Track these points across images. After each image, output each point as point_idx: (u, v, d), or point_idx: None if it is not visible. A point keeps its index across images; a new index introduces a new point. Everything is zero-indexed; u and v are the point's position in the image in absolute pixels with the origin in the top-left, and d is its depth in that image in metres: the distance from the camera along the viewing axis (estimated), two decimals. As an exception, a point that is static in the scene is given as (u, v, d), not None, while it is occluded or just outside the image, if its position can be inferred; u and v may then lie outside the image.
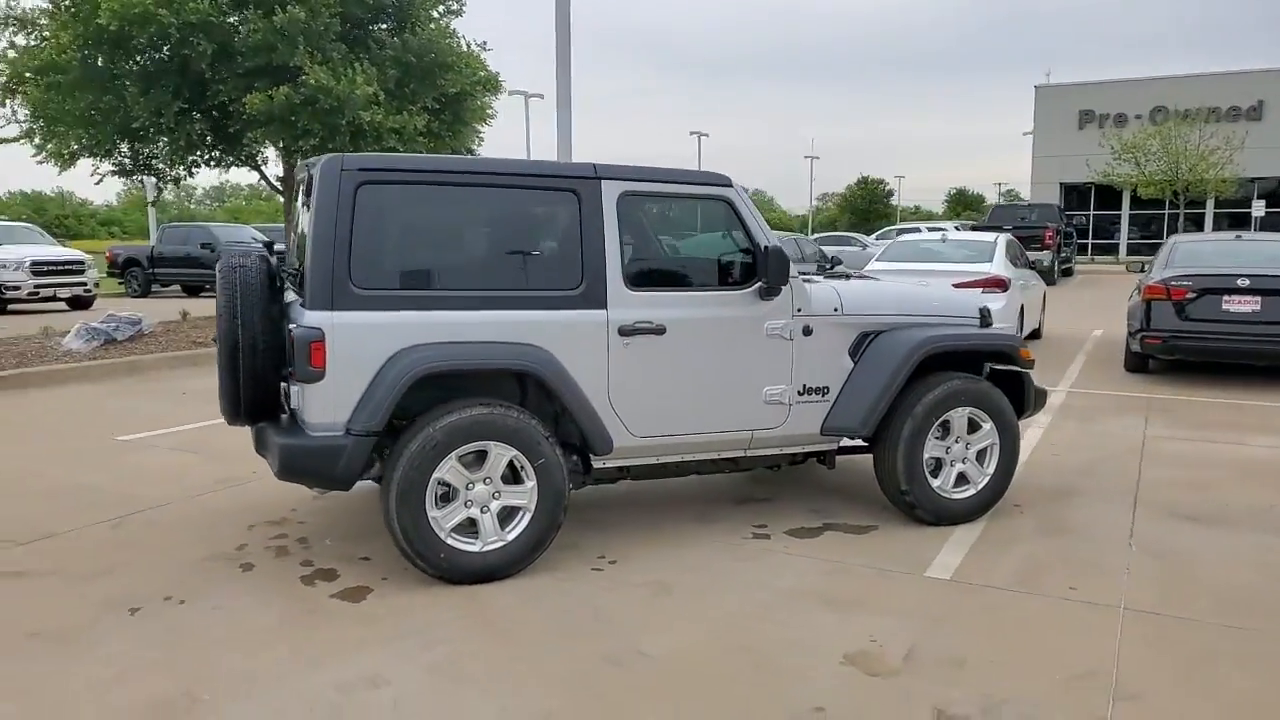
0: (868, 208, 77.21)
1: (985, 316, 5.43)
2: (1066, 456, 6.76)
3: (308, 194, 4.31)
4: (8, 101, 11.08)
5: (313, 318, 4.05)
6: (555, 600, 4.13)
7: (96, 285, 19.21)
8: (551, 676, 3.45)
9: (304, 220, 4.40)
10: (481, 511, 4.28)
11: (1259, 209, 34.88)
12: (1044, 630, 3.87)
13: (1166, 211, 38.83)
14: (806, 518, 5.30)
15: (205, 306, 15.17)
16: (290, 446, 4.08)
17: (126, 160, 12.40)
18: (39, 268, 18.14)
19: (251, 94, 10.84)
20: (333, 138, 11.42)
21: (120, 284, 23.77)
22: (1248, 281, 9.39)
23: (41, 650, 3.63)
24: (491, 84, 13.18)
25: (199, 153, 12.54)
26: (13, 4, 11.49)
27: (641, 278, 4.62)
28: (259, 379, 4.35)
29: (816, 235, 34.96)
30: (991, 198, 71.30)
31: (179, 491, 5.74)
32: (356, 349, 4.07)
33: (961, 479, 5.20)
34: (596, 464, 4.64)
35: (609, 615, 3.98)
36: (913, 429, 5.01)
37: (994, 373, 5.40)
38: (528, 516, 4.33)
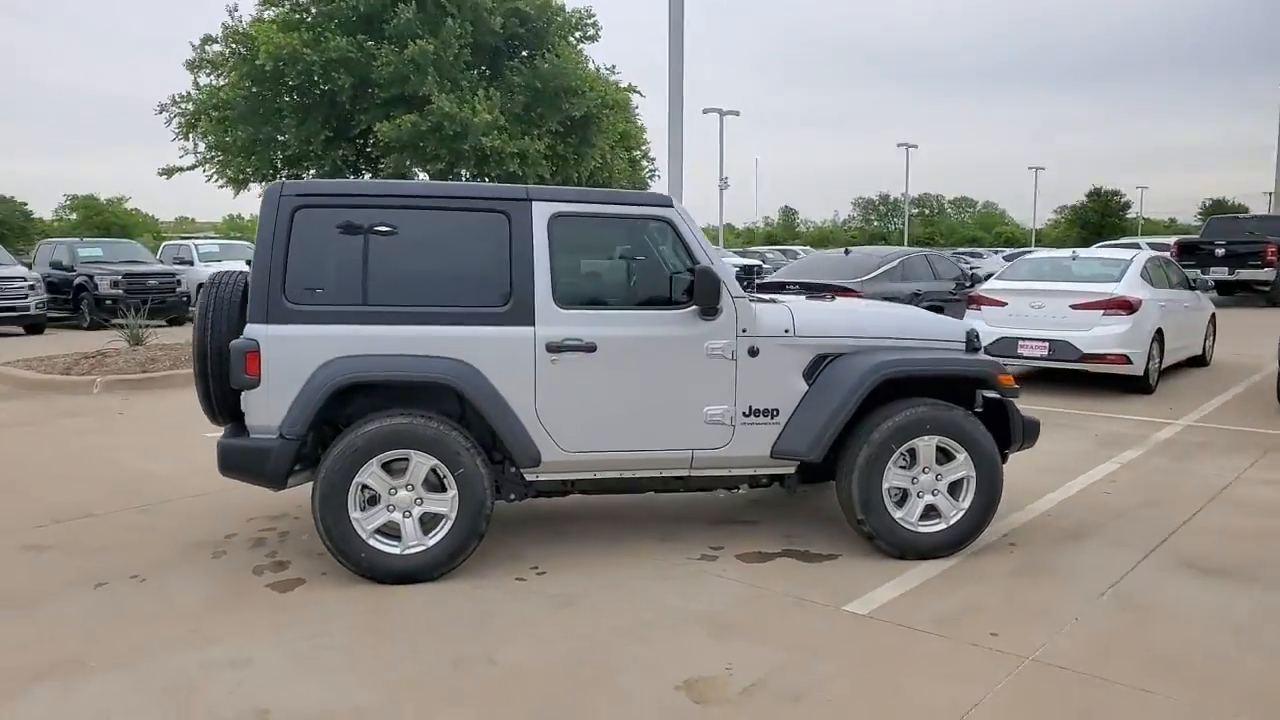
0: (1100, 221, 72.17)
1: (973, 341, 5.11)
2: (1119, 496, 6.19)
3: None
4: (190, 135, 12.57)
5: (250, 330, 4.45)
6: (457, 605, 4.30)
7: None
8: (389, 675, 3.63)
9: None
10: (404, 516, 4.53)
11: None
12: (917, 674, 3.64)
13: None
14: (773, 542, 5.18)
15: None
16: (226, 445, 4.51)
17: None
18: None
19: (383, 122, 11.76)
20: (457, 162, 12.16)
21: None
22: None
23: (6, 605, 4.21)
24: (621, 106, 13.55)
25: (345, 178, 13.70)
26: (205, 50, 12.98)
27: (573, 296, 4.72)
28: (223, 383, 4.80)
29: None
30: (1258, 208, 64.47)
31: (218, 485, 6.35)
32: (287, 360, 4.43)
33: (931, 511, 4.92)
34: (532, 476, 4.77)
35: (493, 623, 4.11)
36: (868, 456, 4.81)
37: (988, 402, 5.09)
38: (449, 524, 4.53)
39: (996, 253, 42.29)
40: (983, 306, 10.60)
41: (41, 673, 3.62)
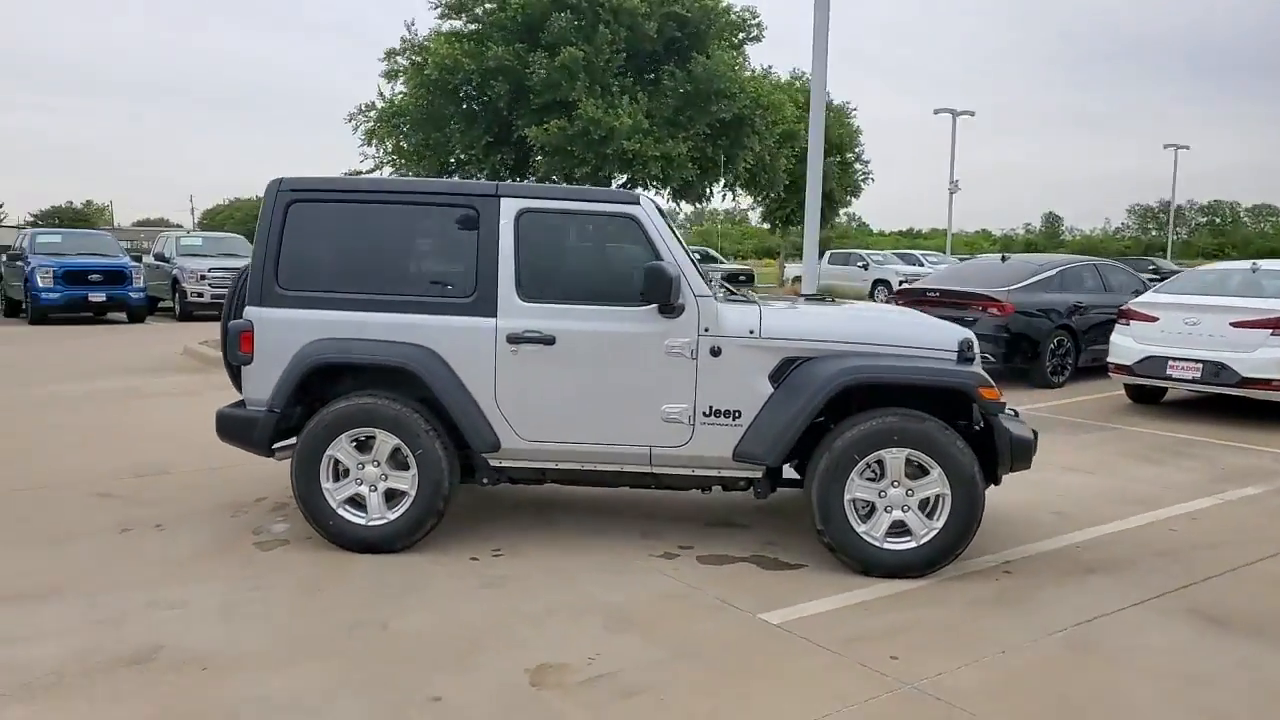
0: None
1: (965, 350, 4.76)
2: (1187, 533, 5.55)
3: None
4: (373, 142, 13.77)
5: (247, 312, 4.95)
6: (394, 576, 4.57)
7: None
8: (288, 629, 3.95)
9: None
10: (370, 490, 4.86)
11: None
12: (777, 685, 3.53)
13: None
14: (747, 547, 5.09)
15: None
16: (222, 414, 5.03)
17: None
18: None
19: (534, 127, 12.35)
20: (603, 165, 12.55)
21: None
22: None
23: (32, 544, 4.92)
24: (776, 108, 13.44)
25: (504, 180, 14.45)
26: (392, 61, 14.16)
27: (537, 290, 4.86)
28: None
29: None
30: None
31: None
32: (275, 340, 4.88)
33: (900, 528, 4.66)
34: (496, 462, 4.96)
35: (414, 595, 4.34)
36: (829, 464, 4.63)
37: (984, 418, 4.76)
38: (409, 500, 4.82)
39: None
40: (1132, 321, 9.65)
41: (21, 594, 4.23)
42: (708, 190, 15.71)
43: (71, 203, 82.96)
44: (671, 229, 4.97)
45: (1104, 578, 4.76)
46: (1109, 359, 9.82)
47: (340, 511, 4.86)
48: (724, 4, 13.90)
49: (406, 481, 4.82)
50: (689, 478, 4.98)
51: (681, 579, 4.62)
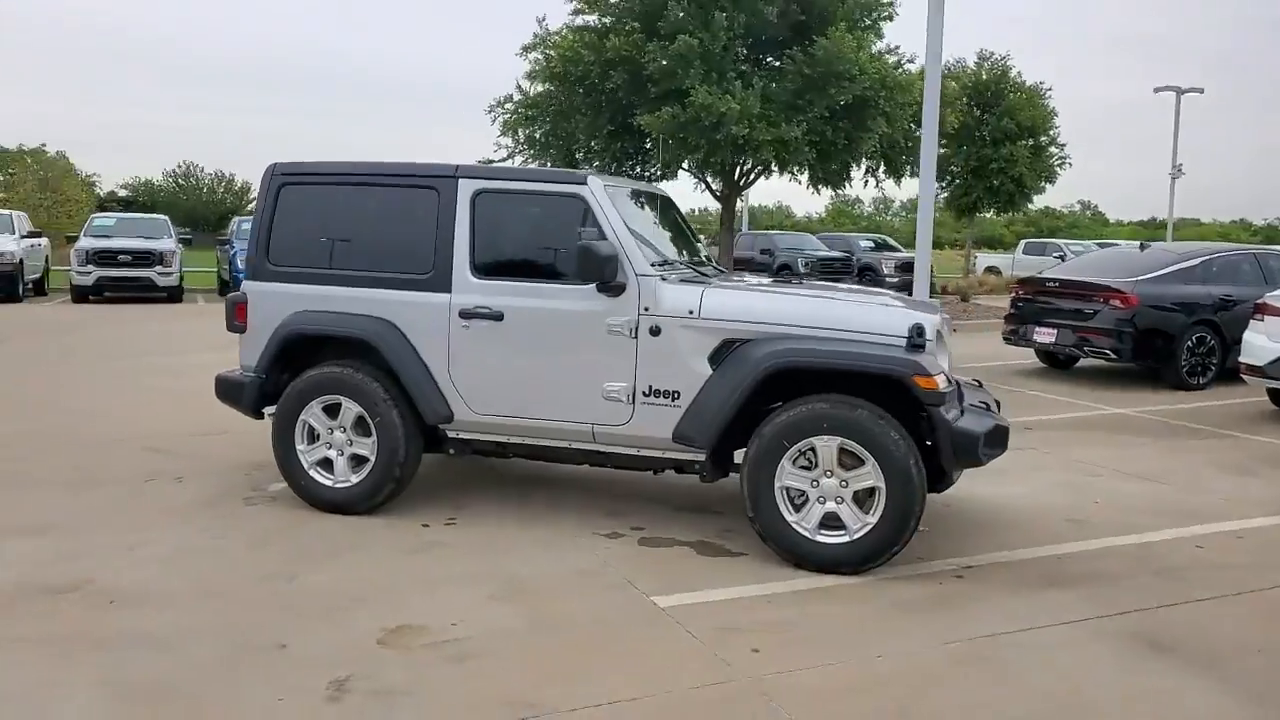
0: None
1: (915, 337, 4.46)
2: (1208, 551, 4.96)
3: None
4: (509, 134, 14.31)
5: (243, 285, 5.37)
6: (343, 535, 4.83)
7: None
8: (213, 575, 4.29)
9: None
10: (338, 454, 5.16)
11: None
12: (612, 664, 3.51)
13: None
14: (702, 533, 5.01)
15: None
16: (219, 378, 5.49)
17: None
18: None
19: (647, 115, 12.43)
20: (715, 151, 12.45)
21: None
22: None
23: (61, 488, 5.56)
24: (903, 89, 12.85)
25: (628, 168, 14.55)
26: (530, 59, 14.64)
27: (489, 267, 4.98)
28: None
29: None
30: None
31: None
32: (265, 311, 5.27)
33: (832, 520, 4.45)
34: (454, 434, 5.14)
35: (347, 554, 4.58)
36: (758, 451, 4.50)
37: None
38: (369, 466, 5.09)
39: None
40: (1266, 316, 8.57)
41: (15, 529, 4.82)
42: (846, 176, 15.22)
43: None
44: (663, 214, 5.01)
45: (1063, 592, 4.34)
46: (1240, 358, 8.76)
47: (311, 473, 5.19)
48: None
49: (368, 448, 5.09)
50: (637, 458, 4.96)
51: (606, 558, 4.62)
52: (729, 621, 3.90)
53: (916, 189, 11.01)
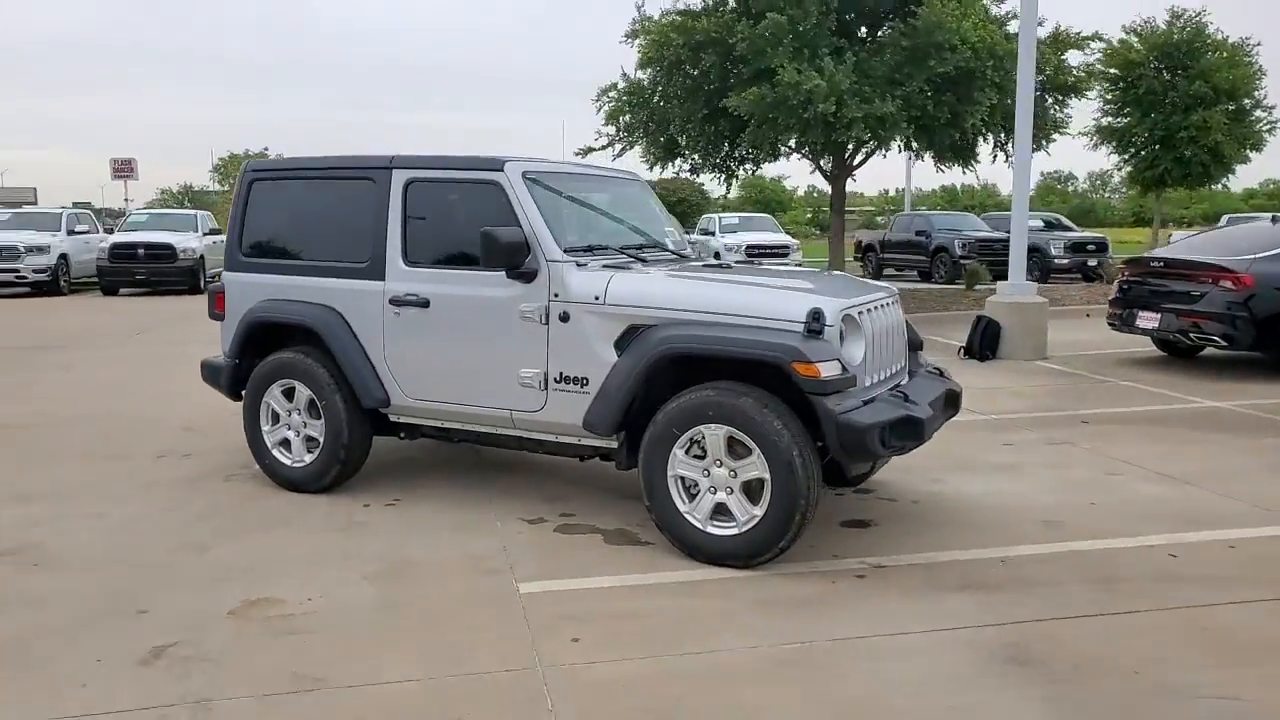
0: None
1: (813, 322, 4.19)
2: (1182, 561, 4.43)
3: None
4: (612, 122, 14.42)
5: (222, 276, 5.75)
6: (284, 511, 5.11)
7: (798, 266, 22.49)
8: (147, 544, 4.64)
9: None
10: (295, 435, 5.45)
11: None
12: (421, 645, 3.54)
13: None
14: (626, 521, 4.94)
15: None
16: (203, 362, 5.89)
17: (696, 158, 14.84)
18: (752, 250, 22.29)
19: (733, 96, 12.20)
20: (804, 130, 12.05)
21: (861, 267, 26.76)
22: None
23: (77, 460, 6.15)
24: (1008, 56, 11.96)
25: (724, 152, 14.28)
26: (633, 45, 14.68)
27: (418, 255, 5.08)
28: None
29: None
30: None
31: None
32: (237, 300, 5.63)
33: (722, 511, 4.29)
34: (395, 418, 5.30)
35: (273, 530, 4.84)
36: (651, 438, 4.41)
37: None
38: (319, 448, 5.34)
39: None
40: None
41: (12, 498, 5.38)
42: (971, 151, 14.39)
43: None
44: (625, 199, 5.09)
45: (969, 597, 3.99)
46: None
47: (275, 452, 5.50)
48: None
49: (319, 430, 5.33)
50: (558, 445, 4.95)
51: (508, 543, 4.64)
52: (576, 611, 3.85)
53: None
